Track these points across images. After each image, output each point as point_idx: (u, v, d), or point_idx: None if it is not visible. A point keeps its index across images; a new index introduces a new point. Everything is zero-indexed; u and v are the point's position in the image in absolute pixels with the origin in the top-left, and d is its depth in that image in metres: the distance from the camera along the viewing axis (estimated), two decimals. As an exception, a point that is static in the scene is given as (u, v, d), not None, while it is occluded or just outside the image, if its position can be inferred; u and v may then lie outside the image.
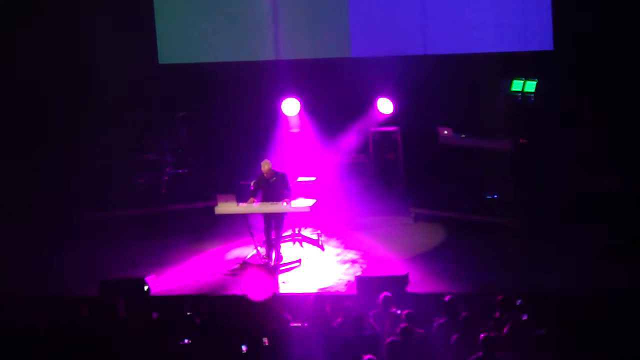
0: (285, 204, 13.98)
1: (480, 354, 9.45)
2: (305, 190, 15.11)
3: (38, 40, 17.20)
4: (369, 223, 15.95)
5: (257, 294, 10.28)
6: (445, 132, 16.26)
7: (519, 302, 10.75)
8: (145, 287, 13.00)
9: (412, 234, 15.40)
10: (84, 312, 11.15)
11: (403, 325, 10.05)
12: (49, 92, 17.30)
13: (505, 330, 10.00)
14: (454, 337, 10.06)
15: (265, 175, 14.07)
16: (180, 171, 17.58)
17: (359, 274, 13.38)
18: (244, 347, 10.14)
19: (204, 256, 14.79)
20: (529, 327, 10.12)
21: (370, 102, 16.93)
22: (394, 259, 14.14)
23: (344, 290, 13.14)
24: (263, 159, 14.27)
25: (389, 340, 9.74)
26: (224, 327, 10.72)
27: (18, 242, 15.51)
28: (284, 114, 17.06)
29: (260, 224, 14.31)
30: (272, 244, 14.18)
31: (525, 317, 10.40)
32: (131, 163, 17.62)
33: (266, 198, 14.08)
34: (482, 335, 9.60)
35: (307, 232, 15.21)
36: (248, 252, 14.44)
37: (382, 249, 14.65)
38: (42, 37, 17.19)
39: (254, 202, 14.08)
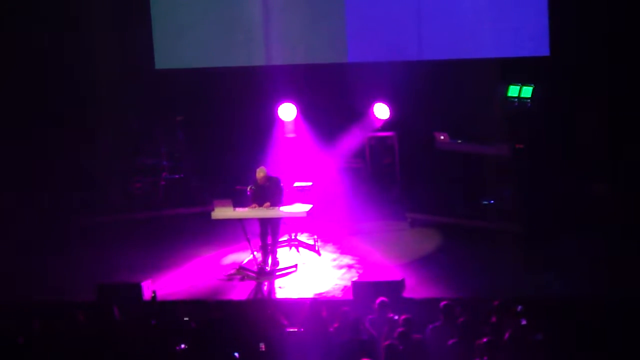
0: (277, 207, 13.99)
1: (485, 359, 9.45)
2: (301, 196, 15.12)
3: (36, 46, 17.21)
4: (365, 228, 15.95)
5: None
6: (442, 137, 16.26)
7: (519, 308, 10.73)
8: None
9: (409, 239, 15.40)
10: (81, 317, 11.13)
11: (400, 329, 10.06)
12: (47, 97, 17.31)
13: (506, 336, 9.98)
14: (451, 342, 10.07)
15: (259, 182, 14.08)
16: (177, 176, 17.57)
17: (355, 279, 13.38)
18: (236, 354, 10.12)
19: (201, 261, 14.78)
20: (527, 332, 10.13)
21: (366, 107, 16.93)
22: (390, 264, 14.14)
23: (340, 296, 13.14)
24: (260, 164, 14.30)
25: (386, 343, 9.75)
26: (220, 333, 10.71)
27: (15, 247, 15.49)
28: (280, 119, 17.07)
29: (256, 229, 14.29)
30: (268, 249, 14.17)
31: (524, 322, 10.39)
32: (128, 167, 17.62)
33: (260, 203, 14.07)
34: (483, 340, 9.61)
35: (303, 237, 15.21)
36: (245, 257, 14.43)
37: (378, 254, 14.65)
38: (40, 43, 17.21)
39: (256, 207, 14.07)
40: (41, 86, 17.25)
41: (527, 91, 15.94)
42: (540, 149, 15.70)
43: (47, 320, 11.19)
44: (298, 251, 14.93)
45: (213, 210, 14.14)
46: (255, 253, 14.15)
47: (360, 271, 14.01)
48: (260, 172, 14.07)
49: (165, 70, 17.66)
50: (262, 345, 10.34)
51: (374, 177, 17.19)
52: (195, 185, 17.48)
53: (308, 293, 13.26)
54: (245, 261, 14.32)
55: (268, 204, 14.00)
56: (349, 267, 14.25)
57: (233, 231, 14.76)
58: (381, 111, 16.91)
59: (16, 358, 10.58)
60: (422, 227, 15.81)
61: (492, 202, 15.68)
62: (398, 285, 12.74)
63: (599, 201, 15.11)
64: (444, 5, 16.63)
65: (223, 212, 14.08)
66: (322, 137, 16.94)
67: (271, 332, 10.70)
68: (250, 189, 14.22)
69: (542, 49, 16.15)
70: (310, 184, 15.50)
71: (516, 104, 16.02)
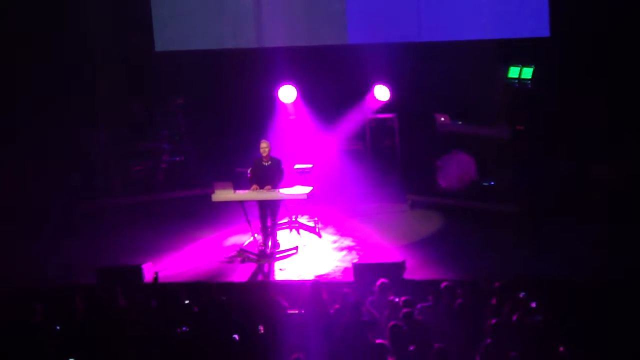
0: (276, 190, 14.01)
1: (488, 340, 9.48)
2: (302, 178, 15.12)
3: (36, 29, 17.17)
4: (365, 210, 15.97)
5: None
6: (442, 119, 16.26)
7: (522, 294, 10.73)
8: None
9: (409, 221, 15.43)
10: (78, 302, 11.14)
11: (405, 310, 10.08)
12: (47, 81, 17.28)
13: (514, 318, 10.01)
14: (451, 322, 10.11)
15: (262, 154, 14.04)
16: (177, 158, 17.59)
17: (355, 261, 13.39)
18: (236, 336, 10.14)
19: (201, 243, 14.80)
20: (527, 314, 10.15)
21: (367, 89, 16.90)
22: (390, 246, 14.15)
23: (340, 277, 13.16)
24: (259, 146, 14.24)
25: (391, 324, 9.77)
26: (220, 315, 10.73)
27: (16, 231, 15.51)
28: (280, 101, 17.05)
29: (257, 211, 14.29)
30: (269, 232, 14.18)
31: (533, 305, 10.41)
32: (128, 151, 17.63)
33: (260, 184, 14.07)
34: (492, 321, 9.65)
35: (304, 220, 15.22)
36: (245, 239, 14.45)
37: (378, 236, 14.66)
38: (40, 26, 17.17)
39: (257, 189, 14.07)
40: (41, 70, 17.22)
41: (527, 72, 15.93)
42: (540, 130, 15.70)
43: (48, 304, 11.20)
44: (298, 233, 14.95)
45: (213, 192, 14.14)
46: (255, 235, 14.16)
47: (361, 253, 14.02)
48: (264, 143, 14.05)
49: (165, 53, 17.62)
50: (261, 328, 10.36)
51: (374, 159, 17.16)
52: (196, 167, 17.48)
53: (309, 275, 13.28)
54: (245, 243, 14.34)
55: (269, 187, 13.99)
56: (350, 249, 14.27)
57: (234, 213, 14.77)
58: (381, 93, 16.87)
59: (19, 341, 10.61)
60: (422, 209, 15.83)
61: (492, 183, 15.69)
62: (398, 267, 12.76)
63: (598, 183, 15.11)
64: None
65: (223, 194, 14.08)
66: (322, 119, 16.92)
67: (272, 314, 10.72)
68: (251, 171, 14.23)
69: (542, 30, 16.10)
70: (310, 166, 15.50)
71: (517, 85, 16.01)
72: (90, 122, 17.47)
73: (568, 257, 13.15)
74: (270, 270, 13.71)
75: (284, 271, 13.63)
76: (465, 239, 14.31)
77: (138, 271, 13.10)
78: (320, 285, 11.44)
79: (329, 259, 13.95)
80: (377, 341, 9.39)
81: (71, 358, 10.27)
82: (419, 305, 10.55)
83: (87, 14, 17.18)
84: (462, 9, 16.46)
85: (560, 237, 13.89)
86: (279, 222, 14.56)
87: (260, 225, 14.20)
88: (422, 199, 15.95)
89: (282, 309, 10.93)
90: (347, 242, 14.58)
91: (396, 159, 17.11)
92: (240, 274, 13.59)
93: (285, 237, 14.73)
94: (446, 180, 13.87)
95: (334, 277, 13.20)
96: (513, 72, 16.06)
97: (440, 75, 16.54)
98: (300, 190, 14.25)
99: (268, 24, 17.21)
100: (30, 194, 16.58)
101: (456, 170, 14.20)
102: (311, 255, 14.15)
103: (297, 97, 16.94)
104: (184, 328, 10.46)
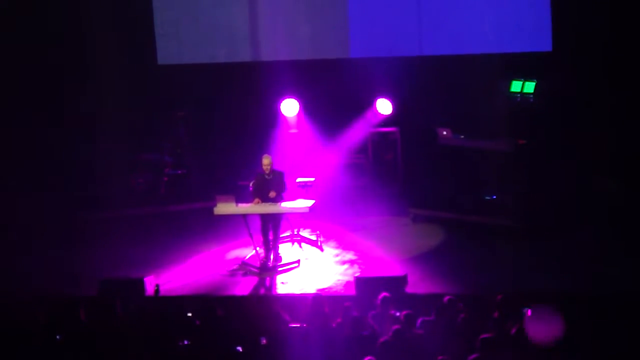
0: (279, 203, 14.01)
1: (476, 355, 9.45)
2: (304, 191, 15.12)
3: (38, 41, 17.22)
4: (367, 224, 15.97)
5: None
6: (444, 132, 16.27)
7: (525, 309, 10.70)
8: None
9: (411, 235, 15.42)
10: (82, 313, 11.13)
11: (395, 327, 10.06)
12: (49, 93, 17.32)
13: (513, 331, 9.98)
14: (453, 336, 10.09)
15: (264, 169, 14.06)
16: (179, 171, 17.60)
17: (357, 274, 13.39)
18: (239, 348, 10.13)
19: (203, 257, 14.79)
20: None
21: (369, 103, 16.94)
22: (392, 260, 14.14)
23: (342, 291, 13.15)
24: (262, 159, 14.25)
25: (381, 340, 9.77)
26: (222, 328, 10.72)
27: (18, 242, 15.51)
28: (283, 115, 17.08)
29: (259, 224, 14.29)
30: (270, 245, 14.18)
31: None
32: (130, 163, 17.64)
33: (264, 198, 14.08)
34: (481, 336, 9.62)
35: (306, 233, 15.23)
36: (247, 252, 14.44)
37: (380, 249, 14.66)
38: (42, 38, 17.22)
39: (259, 202, 14.07)
40: (44, 81, 17.26)
41: (529, 86, 15.95)
42: (542, 144, 15.71)
43: (50, 315, 11.19)
44: (300, 247, 14.95)
45: (215, 205, 14.14)
46: (257, 248, 14.16)
47: (363, 267, 14.01)
48: (266, 159, 14.05)
49: (167, 66, 17.67)
50: (263, 339, 10.35)
51: (377, 173, 17.20)
52: (198, 180, 17.49)
53: (310, 288, 13.27)
54: (247, 257, 14.33)
55: (274, 193, 13.98)
56: (352, 262, 14.26)
57: (236, 227, 14.77)
58: (384, 106, 16.91)
59: (21, 352, 10.60)
60: (424, 223, 15.82)
61: (494, 197, 15.68)
62: (400, 281, 12.74)
63: (600, 197, 15.11)
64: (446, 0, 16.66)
65: (225, 207, 14.08)
66: (325, 132, 16.95)
67: (274, 327, 10.70)
68: (253, 184, 14.23)
69: (545, 44, 16.15)
70: (312, 179, 15.50)
71: (519, 99, 16.03)
72: (93, 133, 17.49)
73: (569, 270, 13.14)
74: (272, 284, 13.70)
75: (286, 285, 13.62)
76: (467, 253, 14.30)
77: (140, 284, 13.09)
78: (322, 299, 11.41)
79: (330, 272, 13.95)
80: (366, 358, 9.36)
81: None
82: (420, 319, 10.53)
83: (90, 27, 17.22)
84: (464, 23, 16.52)
85: (562, 251, 13.87)
86: (281, 236, 14.56)
87: (262, 239, 14.20)
88: (424, 212, 15.95)
89: (283, 322, 10.92)
90: (349, 255, 14.58)
91: (398, 172, 17.14)
92: (242, 287, 13.58)
93: (287, 251, 14.72)
94: (533, 333, 13.64)
95: (335, 291, 13.20)
96: (515, 86, 16.09)
97: (442, 89, 16.58)
98: (303, 204, 14.25)
99: (271, 37, 17.26)
100: (32, 204, 16.58)
101: (544, 326, 13.95)
102: (313, 269, 14.14)
103: (299, 111, 16.97)
104: (185, 341, 10.45)
